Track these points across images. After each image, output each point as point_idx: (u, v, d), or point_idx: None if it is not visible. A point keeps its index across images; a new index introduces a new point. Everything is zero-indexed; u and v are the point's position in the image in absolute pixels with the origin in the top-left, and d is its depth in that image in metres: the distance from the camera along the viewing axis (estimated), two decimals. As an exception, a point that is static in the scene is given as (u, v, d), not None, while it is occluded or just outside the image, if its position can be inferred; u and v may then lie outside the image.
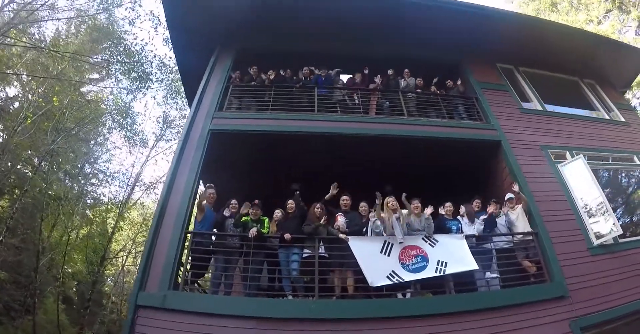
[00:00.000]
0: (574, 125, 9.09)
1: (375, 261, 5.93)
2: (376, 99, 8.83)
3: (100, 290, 22.77)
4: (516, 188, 7.22)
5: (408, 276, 5.91)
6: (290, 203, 6.66)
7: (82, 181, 21.68)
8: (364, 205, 6.83)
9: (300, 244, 6.21)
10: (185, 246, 6.17)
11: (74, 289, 23.04)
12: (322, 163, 8.18)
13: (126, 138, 23.04)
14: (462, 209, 7.14)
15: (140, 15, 19.13)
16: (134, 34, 21.98)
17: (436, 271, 6.00)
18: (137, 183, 23.74)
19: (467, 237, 6.48)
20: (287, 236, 6.05)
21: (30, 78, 18.15)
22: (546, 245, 6.54)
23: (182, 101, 21.87)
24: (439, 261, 6.08)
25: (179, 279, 5.83)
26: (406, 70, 9.37)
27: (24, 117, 17.49)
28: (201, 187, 7.20)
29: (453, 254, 6.18)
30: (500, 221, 6.94)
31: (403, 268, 5.97)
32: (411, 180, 7.54)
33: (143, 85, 20.25)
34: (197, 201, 6.50)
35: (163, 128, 24.19)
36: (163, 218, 6.33)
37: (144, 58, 19.44)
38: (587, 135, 8.86)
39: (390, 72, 9.10)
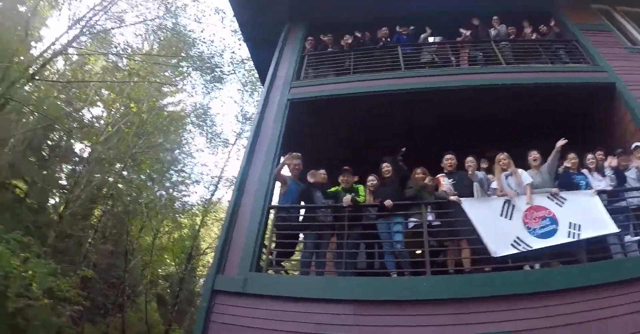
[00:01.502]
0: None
1: (496, 226, 4.91)
2: (467, 52, 7.87)
3: (191, 289, 23.43)
4: None
5: (536, 243, 4.82)
6: (386, 166, 5.68)
7: (170, 188, 22.13)
8: (471, 160, 5.65)
9: (404, 212, 5.30)
10: (269, 224, 5.56)
11: (168, 290, 23.92)
12: (413, 124, 7.44)
13: (208, 141, 23.36)
14: (594, 160, 5.83)
15: (204, 10, 19.39)
16: (201, 30, 24.59)
17: (569, 236, 4.86)
18: (221, 181, 23.69)
19: (599, 193, 5.27)
20: (387, 202, 5.14)
21: (111, 95, 18.92)
22: (695, 200, 5.23)
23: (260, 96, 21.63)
24: (570, 223, 4.93)
25: (262, 261, 5.21)
26: (495, 17, 8.39)
27: (106, 125, 18.32)
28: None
29: (586, 214, 5.01)
30: (630, 174, 5.65)
31: (529, 233, 4.89)
32: (517, 134, 6.78)
33: (218, 81, 20.43)
34: (275, 170, 5.88)
35: (243, 125, 23.94)
36: (242, 194, 5.79)
37: (214, 51, 19.72)
38: None
39: (476, 22, 8.21)
